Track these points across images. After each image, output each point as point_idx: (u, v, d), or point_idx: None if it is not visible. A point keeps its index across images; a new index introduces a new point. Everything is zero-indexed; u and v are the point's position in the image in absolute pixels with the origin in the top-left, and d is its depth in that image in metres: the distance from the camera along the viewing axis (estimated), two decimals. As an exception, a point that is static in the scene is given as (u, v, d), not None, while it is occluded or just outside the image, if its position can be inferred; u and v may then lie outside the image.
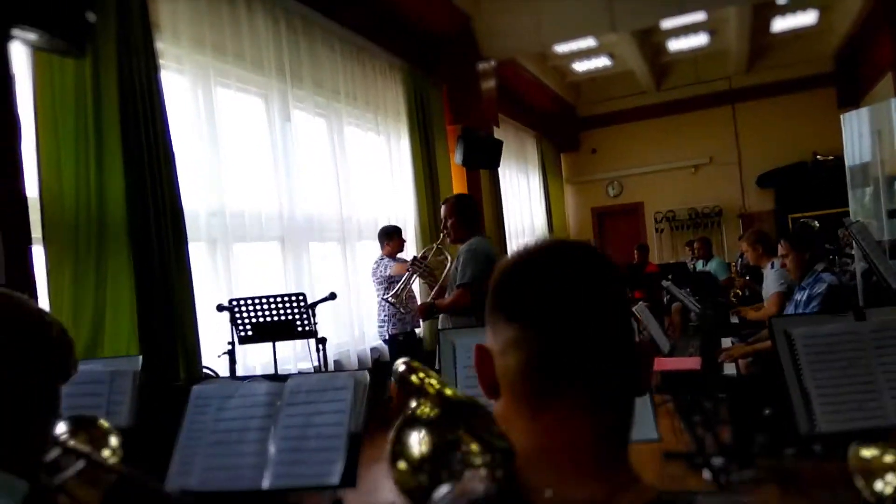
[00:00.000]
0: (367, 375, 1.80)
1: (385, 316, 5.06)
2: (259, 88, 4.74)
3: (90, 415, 1.42)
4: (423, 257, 4.05)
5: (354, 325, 5.32)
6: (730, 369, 3.41)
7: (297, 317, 3.87)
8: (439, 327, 3.67)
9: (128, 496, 1.31)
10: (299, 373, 3.56)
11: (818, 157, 10.32)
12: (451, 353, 1.76)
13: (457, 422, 0.62)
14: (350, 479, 1.63)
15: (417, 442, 0.65)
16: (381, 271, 5.10)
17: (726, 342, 3.94)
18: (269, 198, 4.70)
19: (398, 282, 4.77)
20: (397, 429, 0.69)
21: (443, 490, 0.80)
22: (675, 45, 9.72)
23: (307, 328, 3.89)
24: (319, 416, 1.72)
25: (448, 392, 0.60)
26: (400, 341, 4.96)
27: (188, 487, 1.68)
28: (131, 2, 3.39)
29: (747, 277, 6.78)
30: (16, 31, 2.64)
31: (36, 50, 2.88)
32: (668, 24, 8.49)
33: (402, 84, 6.50)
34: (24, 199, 2.86)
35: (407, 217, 6.31)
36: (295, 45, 4.99)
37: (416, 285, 4.90)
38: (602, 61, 10.05)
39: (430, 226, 6.44)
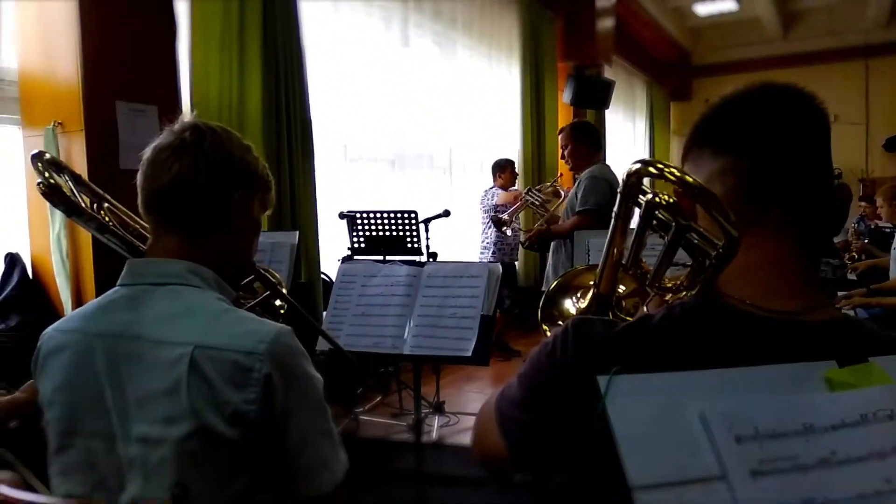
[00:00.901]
0: (499, 267, 1.91)
1: (487, 243, 5.18)
2: (381, 12, 4.83)
3: (263, 266, 1.60)
4: (538, 189, 4.10)
5: (454, 249, 5.47)
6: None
7: (408, 233, 4.04)
8: (549, 266, 3.68)
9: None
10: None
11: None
12: (585, 253, 1.83)
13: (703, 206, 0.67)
14: (482, 356, 1.76)
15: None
16: (488, 199, 5.20)
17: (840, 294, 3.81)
18: (382, 121, 4.85)
19: (503, 212, 4.88)
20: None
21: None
22: (810, -9, 9.04)
23: (416, 245, 4.06)
24: (455, 298, 1.85)
25: (689, 178, 0.66)
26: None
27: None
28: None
29: (866, 241, 6.43)
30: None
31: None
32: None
33: (518, 16, 6.42)
34: (179, 98, 3.10)
35: (511, 152, 6.33)
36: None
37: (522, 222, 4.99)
38: (727, 4, 9.47)
39: (532, 162, 6.44)
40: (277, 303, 1.56)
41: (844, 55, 10.12)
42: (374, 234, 4.06)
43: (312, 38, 4.07)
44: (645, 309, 0.94)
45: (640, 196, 0.75)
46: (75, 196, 1.30)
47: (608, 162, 8.05)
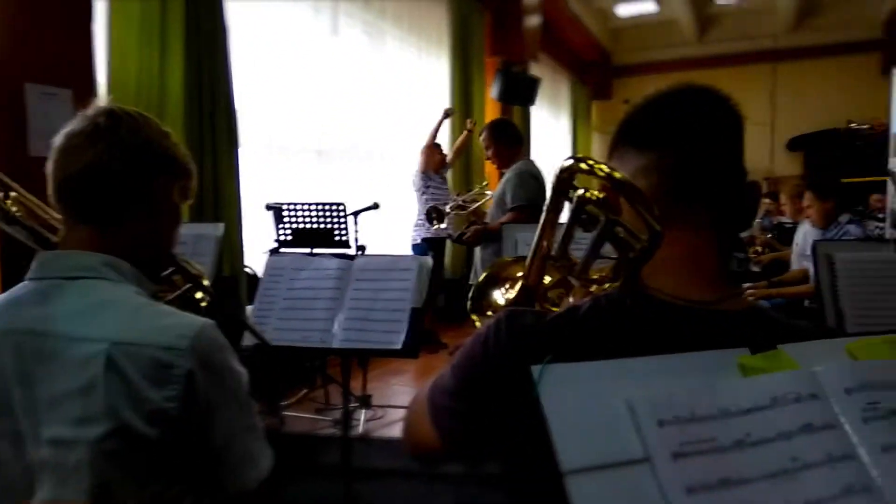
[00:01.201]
0: (429, 260, 1.92)
1: (420, 220, 5.17)
2: (311, 0, 4.75)
3: (183, 257, 1.55)
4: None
5: (384, 240, 5.45)
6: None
7: (336, 225, 3.99)
8: (477, 260, 3.74)
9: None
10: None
11: (852, 124, 10.19)
12: (514, 247, 1.87)
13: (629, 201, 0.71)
14: (412, 350, 1.77)
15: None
16: (415, 178, 5.20)
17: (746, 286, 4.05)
18: (309, 111, 4.77)
19: (434, 186, 4.94)
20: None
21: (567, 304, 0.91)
22: (724, -5, 9.49)
23: (345, 237, 4.02)
24: (385, 291, 1.85)
25: (617, 174, 0.70)
26: (433, 244, 5.08)
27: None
28: None
29: (769, 235, 6.84)
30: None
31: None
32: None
33: (447, 9, 6.45)
34: (94, 81, 2.95)
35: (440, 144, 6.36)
36: (349, -43, 4.97)
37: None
38: (647, 6, 9.82)
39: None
40: (199, 296, 1.51)
41: (755, 58, 10.69)
42: (301, 226, 3.99)
43: (238, 23, 3.95)
44: (571, 300, 0.97)
45: (571, 191, 0.78)
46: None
47: (533, 157, 8.24)
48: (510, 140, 3.70)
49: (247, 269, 4.01)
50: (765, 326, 0.74)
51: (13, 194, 1.28)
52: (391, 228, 5.57)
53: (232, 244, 3.75)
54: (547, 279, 1.12)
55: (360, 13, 5.22)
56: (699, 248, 0.77)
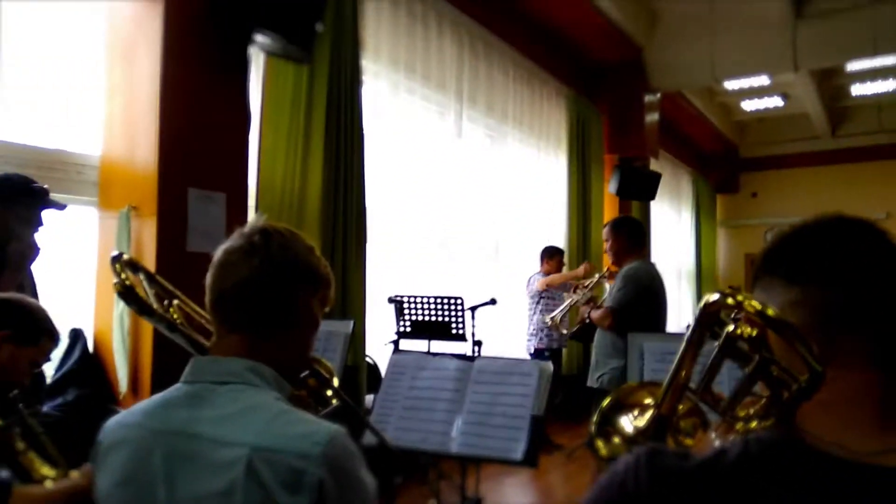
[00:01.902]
0: (550, 366, 1.91)
1: (534, 329, 5.17)
2: (438, 106, 5.07)
3: (316, 355, 1.65)
4: (586, 285, 4.14)
5: (499, 335, 5.47)
6: None
7: (453, 319, 4.07)
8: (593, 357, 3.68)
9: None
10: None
11: None
12: (639, 356, 1.83)
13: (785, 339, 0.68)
14: (532, 458, 1.74)
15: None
16: (532, 285, 5.24)
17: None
18: (433, 207, 4.98)
19: (548, 297, 4.91)
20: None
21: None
22: (859, 89, 9.10)
23: (461, 331, 4.08)
24: (505, 396, 1.86)
25: (770, 312, 0.68)
26: (545, 357, 5.04)
27: (383, 443, 1.86)
28: (345, 20, 3.79)
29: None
30: (257, 36, 3.07)
31: (269, 54, 3.30)
32: (854, 66, 8.00)
33: (566, 110, 6.64)
34: (247, 185, 3.27)
35: (557, 239, 6.40)
36: (474, 67, 5.31)
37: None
38: (774, 101, 9.59)
39: (577, 250, 6.49)
40: (329, 393, 1.59)
41: (895, 152, 10.04)
42: (420, 318, 4.11)
43: (372, 126, 4.28)
44: (712, 435, 0.93)
45: (718, 327, 0.77)
46: (148, 296, 1.38)
47: (654, 252, 8.05)
48: (630, 238, 3.64)
49: (368, 359, 4.14)
50: None
51: (175, 301, 1.43)
52: (509, 323, 5.59)
53: (356, 335, 3.89)
54: (679, 407, 1.09)
55: (482, 117, 5.49)
56: (861, 388, 0.71)
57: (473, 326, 4.04)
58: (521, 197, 6.04)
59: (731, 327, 0.74)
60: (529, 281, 5.33)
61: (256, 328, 1.10)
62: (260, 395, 1.05)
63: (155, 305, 1.40)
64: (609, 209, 7.27)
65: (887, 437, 0.69)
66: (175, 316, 1.47)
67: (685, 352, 0.85)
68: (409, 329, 4.15)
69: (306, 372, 1.49)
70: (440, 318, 4.07)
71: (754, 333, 0.72)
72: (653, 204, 7.80)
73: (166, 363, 1.15)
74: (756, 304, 0.70)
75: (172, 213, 2.88)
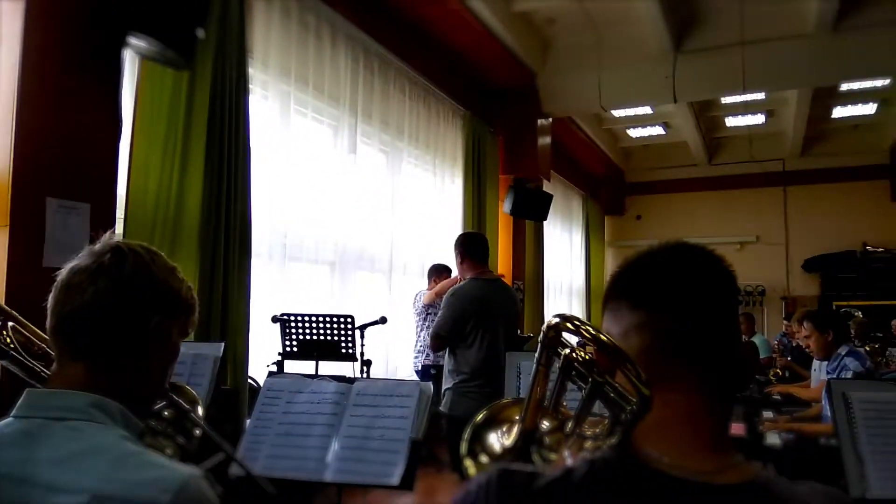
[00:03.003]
0: (430, 387, 1.88)
1: (421, 346, 5.13)
2: (331, 120, 4.98)
3: (180, 382, 1.53)
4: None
5: (390, 354, 5.40)
6: (772, 439, 3.38)
7: (342, 338, 3.97)
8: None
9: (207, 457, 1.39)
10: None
11: (868, 247, 10.23)
12: (516, 376, 1.83)
13: (615, 364, 0.70)
14: (408, 482, 1.69)
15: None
16: (418, 302, 5.21)
17: (766, 415, 3.92)
18: (325, 223, 4.87)
19: (434, 313, 4.89)
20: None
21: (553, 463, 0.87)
22: (732, 121, 9.84)
23: (351, 350, 3.98)
24: (383, 419, 1.80)
25: (603, 337, 0.68)
26: (432, 374, 5.01)
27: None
28: (231, 27, 3.64)
29: (788, 358, 6.69)
30: (132, 39, 2.88)
31: (145, 58, 3.11)
32: (727, 99, 8.64)
33: (462, 130, 6.73)
34: (115, 195, 3.04)
35: (451, 258, 6.41)
36: (370, 83, 5.25)
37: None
38: (656, 130, 10.21)
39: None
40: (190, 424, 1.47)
41: (764, 181, 10.92)
42: (308, 337, 3.97)
43: (260, 139, 4.13)
44: (566, 453, 0.94)
45: (560, 349, 0.77)
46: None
47: (547, 270, 8.23)
48: (465, 255, 3.58)
49: (251, 381, 3.95)
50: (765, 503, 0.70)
51: (10, 324, 1.28)
52: (400, 341, 5.53)
53: (237, 356, 3.71)
54: (546, 424, 1.09)
55: (377, 133, 5.45)
56: (696, 410, 0.74)
57: (363, 346, 3.95)
58: (417, 214, 6.04)
59: (566, 351, 0.74)
60: (416, 297, 5.30)
61: (101, 356, 1.00)
62: (104, 433, 0.94)
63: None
64: (504, 228, 7.41)
65: (718, 457, 0.72)
66: (8, 340, 1.31)
67: (536, 371, 0.87)
68: (295, 349, 4.00)
69: (162, 402, 1.36)
70: (329, 338, 3.96)
71: (586, 357, 0.73)
72: (546, 224, 8.04)
73: (15, 398, 1.01)
74: (591, 330, 0.71)
75: (27, 225, 2.62)
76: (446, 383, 3.41)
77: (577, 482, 0.71)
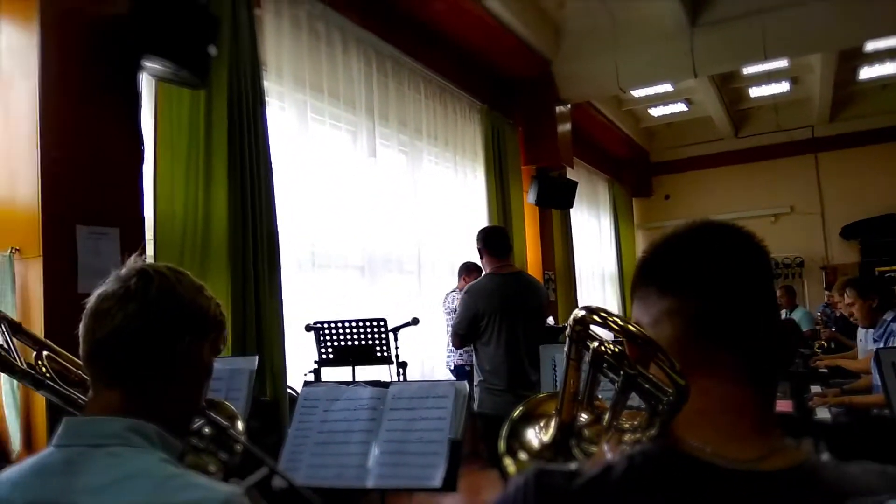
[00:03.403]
0: (466, 386, 1.86)
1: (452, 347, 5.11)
2: (349, 125, 4.99)
3: (218, 398, 1.53)
4: None
5: (426, 355, 5.39)
6: (822, 413, 3.29)
7: (376, 341, 3.97)
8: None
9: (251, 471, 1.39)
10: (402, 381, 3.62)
11: (908, 209, 9.93)
12: (551, 368, 1.80)
13: (647, 356, 0.67)
14: (451, 483, 1.68)
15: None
16: (449, 302, 5.19)
17: (814, 389, 3.82)
18: (351, 229, 4.88)
19: None
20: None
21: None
22: (756, 91, 9.61)
23: (385, 353, 3.98)
24: (421, 421, 1.79)
25: (632, 328, 0.66)
26: (466, 371, 4.99)
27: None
28: (242, 42, 3.67)
29: (833, 329, 6.53)
30: (147, 62, 2.91)
31: (160, 80, 3.15)
32: (749, 70, 8.44)
33: (481, 125, 6.69)
34: (143, 218, 3.09)
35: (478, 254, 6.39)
36: (384, 84, 5.25)
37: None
38: (679, 107, 10.02)
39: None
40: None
41: (794, 150, 10.65)
42: (342, 344, 3.99)
43: (280, 149, 4.15)
44: (605, 447, 0.91)
45: (588, 342, 0.74)
46: (7, 349, 1.24)
47: (577, 257, 8.14)
48: (485, 249, 3.56)
49: (290, 390, 3.98)
50: (816, 489, 0.66)
51: (45, 353, 1.29)
52: (433, 341, 5.52)
53: (274, 367, 3.74)
54: (584, 417, 1.07)
55: (395, 134, 5.44)
56: (736, 397, 0.71)
57: (397, 348, 3.95)
58: (441, 213, 6.02)
59: (595, 344, 0.72)
60: (446, 297, 5.28)
61: (134, 380, 1.00)
62: (143, 457, 0.94)
63: (14, 361, 1.25)
64: (530, 220, 7.36)
65: (763, 442, 0.70)
66: (44, 369, 1.33)
67: (567, 365, 0.85)
68: (331, 356, 4.02)
69: (201, 421, 1.37)
70: (363, 342, 3.97)
71: (616, 350, 0.70)
72: (572, 211, 7.96)
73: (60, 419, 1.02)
74: (619, 321, 0.68)
75: (60, 254, 2.68)
76: (475, 380, 3.42)
77: (617, 479, 0.69)
